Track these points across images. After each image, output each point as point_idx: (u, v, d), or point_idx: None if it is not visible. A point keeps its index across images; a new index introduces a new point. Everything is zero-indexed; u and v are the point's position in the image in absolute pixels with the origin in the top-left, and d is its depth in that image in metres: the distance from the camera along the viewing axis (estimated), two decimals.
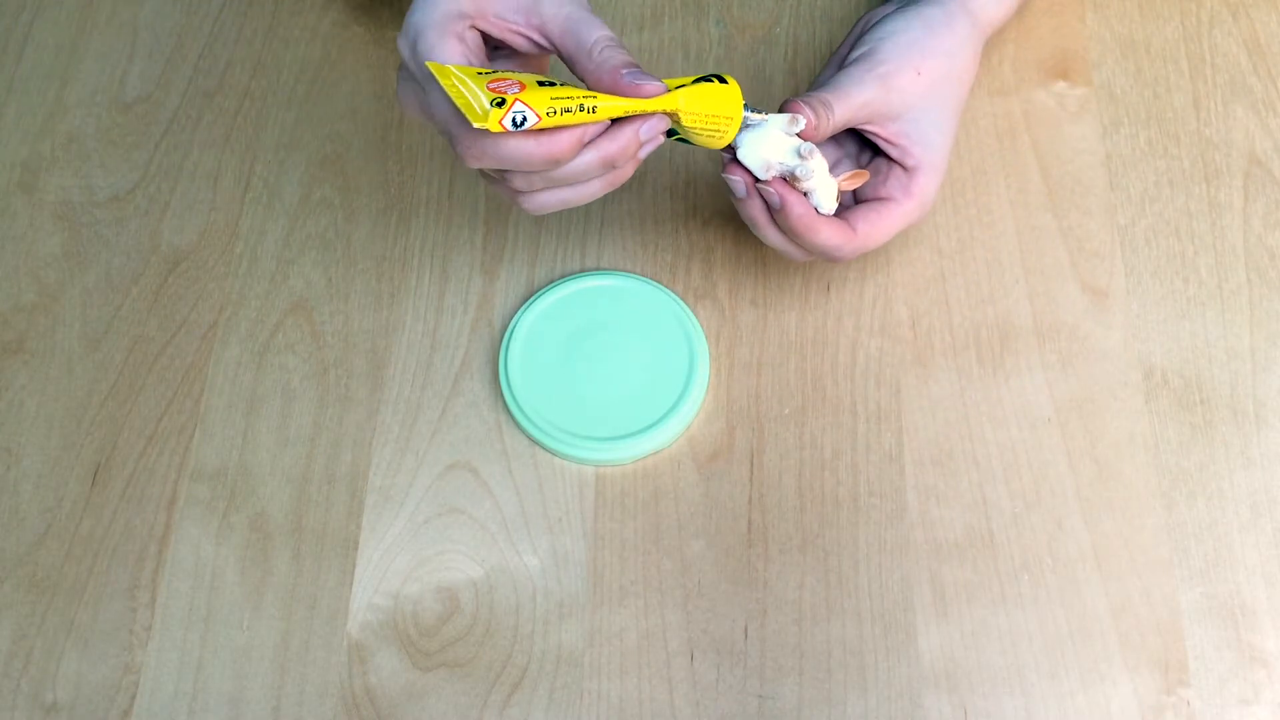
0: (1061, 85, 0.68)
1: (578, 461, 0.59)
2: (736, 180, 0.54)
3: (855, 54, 0.57)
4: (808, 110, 0.54)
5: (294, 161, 0.68)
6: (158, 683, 0.55)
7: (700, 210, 0.65)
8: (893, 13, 0.59)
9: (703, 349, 0.61)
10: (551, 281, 0.63)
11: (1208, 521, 0.57)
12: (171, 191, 0.67)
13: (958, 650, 0.55)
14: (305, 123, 0.69)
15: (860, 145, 0.60)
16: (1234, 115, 0.67)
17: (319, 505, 0.59)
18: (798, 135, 0.53)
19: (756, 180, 0.54)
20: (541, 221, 0.65)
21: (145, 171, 0.67)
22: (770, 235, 0.56)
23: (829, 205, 0.55)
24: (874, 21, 0.59)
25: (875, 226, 0.56)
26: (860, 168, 0.59)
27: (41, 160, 0.68)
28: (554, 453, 0.59)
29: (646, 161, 0.66)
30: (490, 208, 0.66)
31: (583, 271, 0.63)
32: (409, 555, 0.58)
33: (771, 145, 0.53)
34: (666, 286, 0.63)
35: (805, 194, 0.54)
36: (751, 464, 0.59)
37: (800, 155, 0.53)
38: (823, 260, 0.57)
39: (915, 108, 0.57)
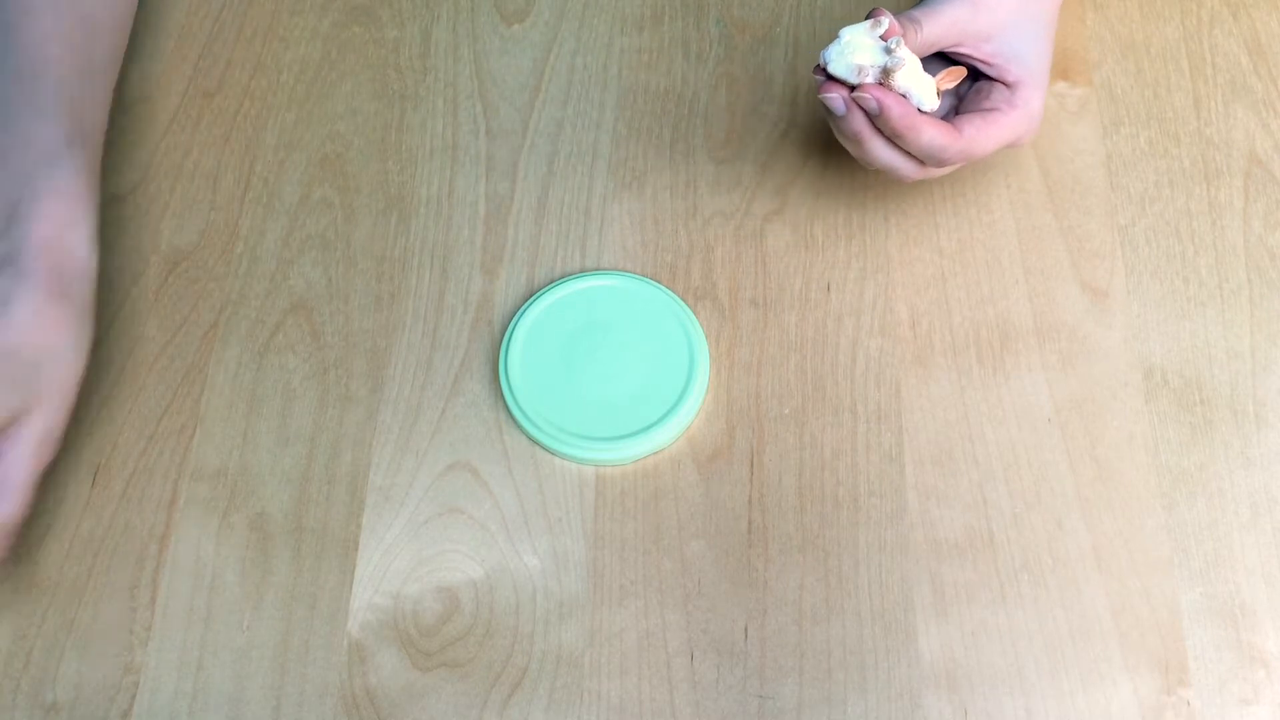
0: (1061, 85, 0.68)
1: (578, 461, 0.59)
2: (833, 97, 0.55)
3: None
4: (891, 16, 0.54)
5: (294, 161, 0.68)
6: (158, 683, 0.55)
7: (700, 210, 0.65)
8: None
9: (702, 349, 0.61)
10: (551, 281, 0.63)
11: (1208, 521, 0.57)
12: (171, 191, 0.67)
13: (958, 650, 0.55)
14: (305, 123, 0.69)
15: None
16: (1234, 115, 0.67)
17: (319, 505, 0.59)
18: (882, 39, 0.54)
19: (851, 90, 0.54)
20: (541, 221, 0.65)
21: (145, 171, 0.67)
22: (876, 150, 0.56)
23: (930, 101, 0.55)
24: None
25: (981, 131, 0.56)
26: (962, 91, 0.59)
27: None
28: (554, 453, 0.59)
29: (646, 160, 0.67)
30: (490, 208, 0.66)
31: (583, 272, 0.64)
32: (409, 555, 0.58)
33: (860, 52, 0.54)
34: (666, 286, 0.63)
35: (904, 95, 0.54)
36: (751, 464, 0.59)
37: (888, 50, 0.53)
38: (932, 166, 0.57)
39: (1006, 26, 0.57)
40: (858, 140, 0.56)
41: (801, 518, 0.58)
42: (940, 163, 0.57)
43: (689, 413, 0.59)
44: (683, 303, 0.62)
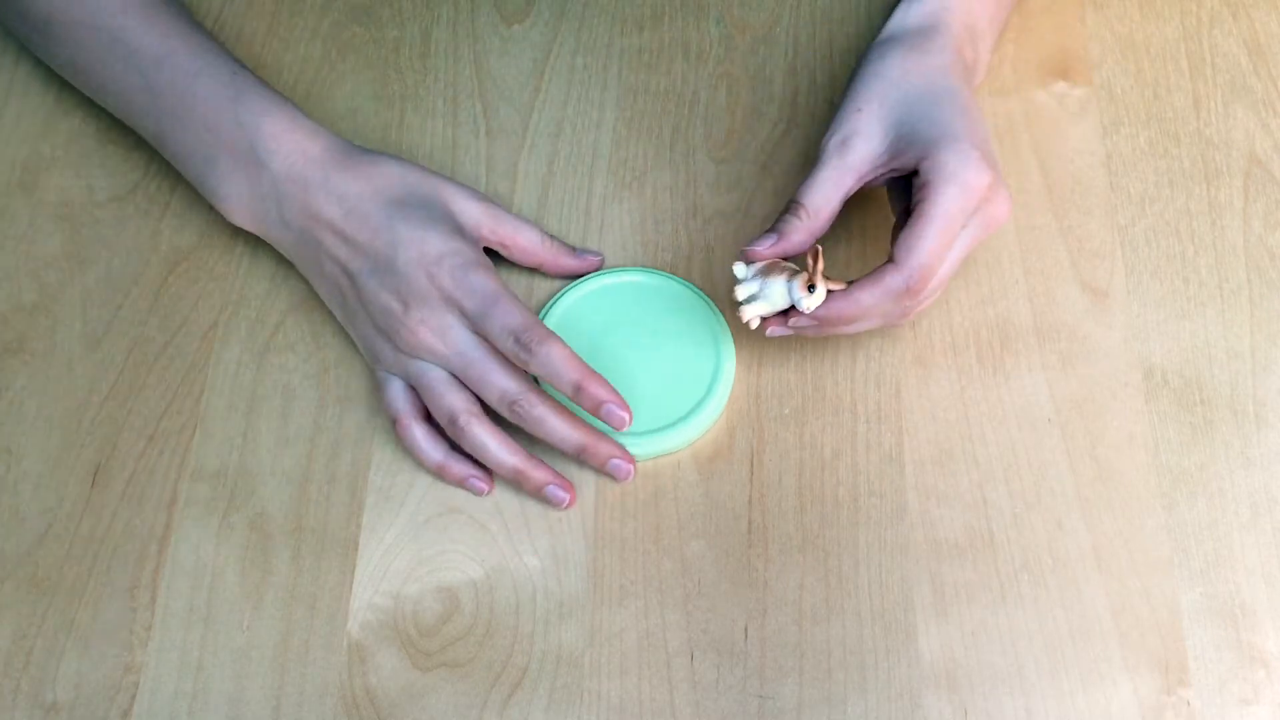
0: (1061, 85, 0.68)
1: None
2: (747, 321, 0.55)
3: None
4: (746, 253, 0.55)
5: None
6: (158, 683, 0.55)
7: (700, 210, 0.65)
8: (867, 51, 0.60)
9: (729, 350, 0.60)
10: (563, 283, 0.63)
11: (1208, 521, 0.57)
12: (171, 191, 0.67)
13: (958, 650, 0.55)
14: None
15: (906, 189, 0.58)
16: (1234, 115, 0.67)
17: (319, 505, 0.59)
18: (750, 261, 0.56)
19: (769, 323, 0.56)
20: (541, 221, 0.65)
21: (145, 171, 0.67)
22: (851, 330, 0.56)
23: (808, 300, 0.53)
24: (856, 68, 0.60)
25: (914, 243, 0.53)
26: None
27: (41, 160, 0.68)
28: None
29: (646, 160, 0.67)
30: None
31: (611, 267, 0.63)
32: (409, 555, 0.58)
33: (739, 289, 0.56)
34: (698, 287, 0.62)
35: (797, 304, 0.54)
36: (751, 464, 0.59)
37: (735, 298, 0.56)
38: (913, 302, 0.55)
39: (887, 122, 0.57)
40: (827, 336, 0.58)
41: (801, 518, 0.58)
42: (914, 295, 0.53)
43: (714, 411, 0.59)
44: (713, 304, 0.61)
